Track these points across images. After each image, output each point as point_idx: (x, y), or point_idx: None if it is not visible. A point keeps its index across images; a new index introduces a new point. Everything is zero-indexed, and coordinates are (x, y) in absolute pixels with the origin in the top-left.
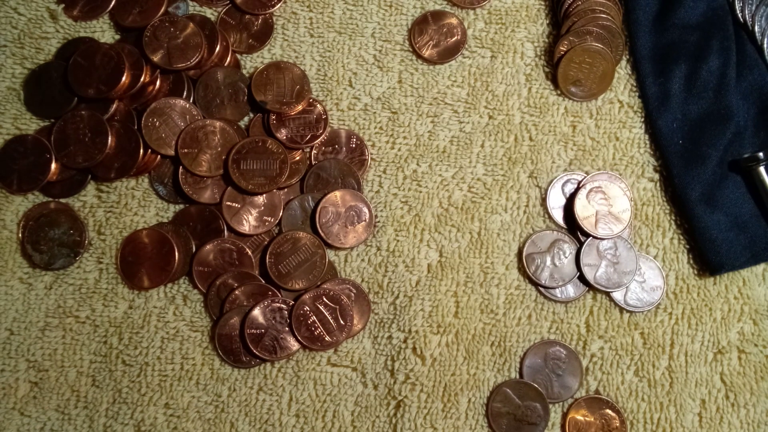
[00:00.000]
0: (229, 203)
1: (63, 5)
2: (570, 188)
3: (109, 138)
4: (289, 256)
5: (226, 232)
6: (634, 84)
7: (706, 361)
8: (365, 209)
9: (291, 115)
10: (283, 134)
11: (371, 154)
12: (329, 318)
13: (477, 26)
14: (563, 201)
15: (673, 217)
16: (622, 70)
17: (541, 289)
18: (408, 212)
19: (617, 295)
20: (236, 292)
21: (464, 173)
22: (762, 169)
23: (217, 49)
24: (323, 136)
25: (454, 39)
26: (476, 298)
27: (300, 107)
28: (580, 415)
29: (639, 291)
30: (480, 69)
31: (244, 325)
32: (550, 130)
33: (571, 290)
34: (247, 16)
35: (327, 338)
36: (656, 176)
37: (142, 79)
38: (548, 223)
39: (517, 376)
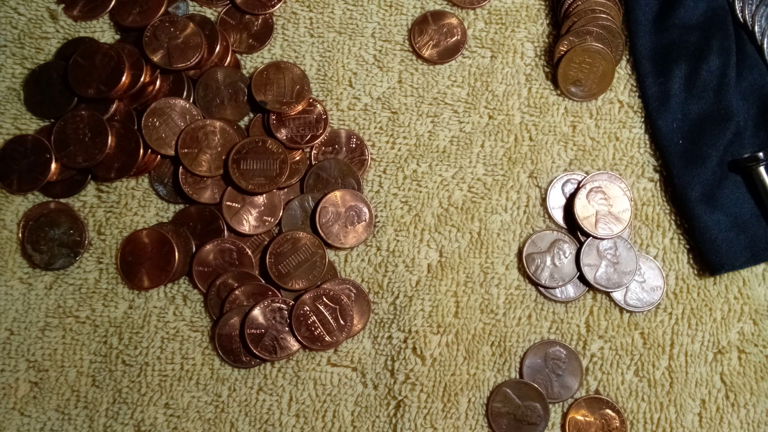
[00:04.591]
0: (229, 203)
1: (63, 5)
2: (570, 188)
3: (109, 138)
4: (289, 256)
5: (226, 232)
6: (634, 84)
7: (706, 361)
8: (365, 209)
9: (291, 115)
10: (283, 134)
11: (371, 154)
12: (329, 318)
13: (477, 26)
14: (563, 201)
15: (673, 217)
16: (622, 70)
17: (541, 289)
18: (408, 212)
19: (617, 295)
20: (236, 292)
21: (464, 173)
22: (762, 169)
23: (217, 49)
24: (323, 136)
25: (454, 39)
26: (476, 298)
27: (300, 107)
28: (580, 415)
29: (639, 291)
30: (480, 69)
31: (244, 325)
32: (550, 130)
33: (571, 290)
34: (247, 16)
35: (327, 338)
36: (656, 176)
37: (142, 79)
38: (548, 223)
39: (517, 376)
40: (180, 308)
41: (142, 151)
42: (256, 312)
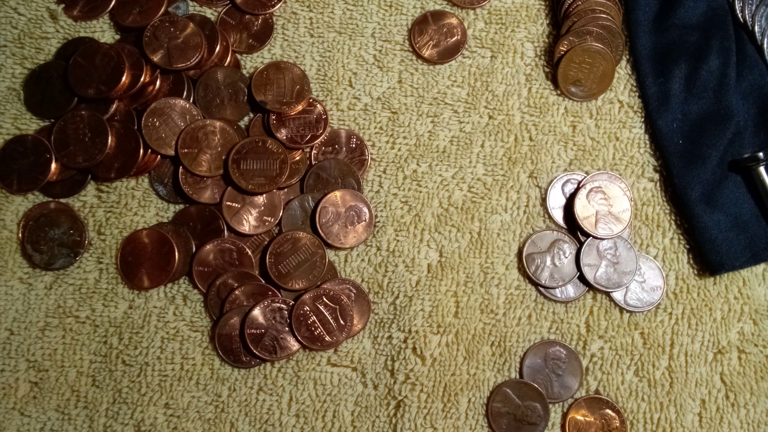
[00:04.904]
0: (229, 203)
1: (63, 5)
2: (570, 188)
3: (109, 138)
4: (289, 256)
5: (226, 232)
6: (634, 84)
7: (706, 361)
8: (365, 209)
9: (291, 115)
10: (283, 134)
11: (371, 154)
12: (329, 318)
13: (477, 26)
14: (563, 201)
15: (673, 217)
16: (622, 70)
17: (541, 289)
18: (408, 212)
19: (617, 295)
20: (236, 292)
21: (464, 173)
22: (762, 169)
23: (217, 49)
24: (323, 136)
25: (454, 39)
26: (476, 298)
27: (300, 107)
28: (580, 415)
29: (639, 291)
30: (480, 69)
31: (244, 325)
32: (550, 130)
33: (571, 290)
34: (247, 16)
35: (327, 338)
36: (656, 176)
37: (142, 79)
38: (548, 223)
39: (517, 376)
40: (180, 308)
41: (142, 151)
42: (256, 312)
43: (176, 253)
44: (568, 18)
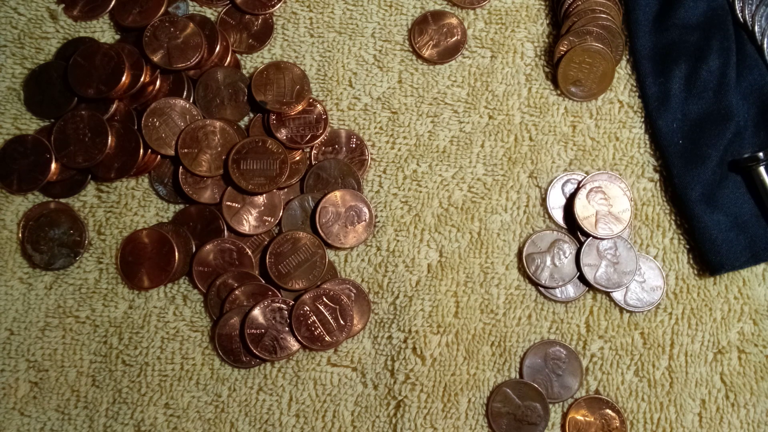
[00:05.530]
0: (229, 203)
1: (63, 5)
2: (570, 188)
3: (109, 138)
4: (289, 256)
5: (226, 232)
6: (634, 84)
7: (706, 361)
8: (365, 209)
9: (291, 115)
10: (283, 134)
11: (371, 154)
12: (329, 318)
13: (477, 26)
14: (563, 201)
15: (673, 217)
16: (622, 70)
17: (541, 289)
18: (408, 212)
19: (617, 295)
20: (236, 292)
21: (464, 173)
22: (762, 169)
23: (217, 49)
24: (323, 136)
25: (454, 39)
26: (476, 298)
27: (300, 107)
28: (580, 415)
29: (639, 291)
30: (480, 69)
31: (244, 325)
32: (550, 130)
33: (571, 290)
34: (247, 16)
35: (327, 338)
36: (656, 176)
37: (142, 79)
38: (548, 223)
39: (517, 376)
40: (180, 308)
41: (142, 151)
42: (256, 312)
43: (176, 253)
44: (568, 18)
